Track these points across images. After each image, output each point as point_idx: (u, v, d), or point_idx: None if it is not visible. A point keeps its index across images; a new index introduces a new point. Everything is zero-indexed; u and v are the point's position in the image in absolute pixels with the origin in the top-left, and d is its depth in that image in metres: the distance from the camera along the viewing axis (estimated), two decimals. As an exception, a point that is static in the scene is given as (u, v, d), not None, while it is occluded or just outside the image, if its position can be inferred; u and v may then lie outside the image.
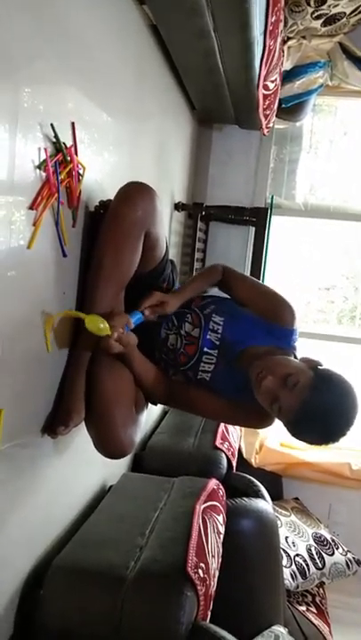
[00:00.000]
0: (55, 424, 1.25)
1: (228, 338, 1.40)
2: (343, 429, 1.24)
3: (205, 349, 1.40)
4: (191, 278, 1.53)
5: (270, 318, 1.41)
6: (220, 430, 2.33)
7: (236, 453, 2.41)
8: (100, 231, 1.28)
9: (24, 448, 1.19)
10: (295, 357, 1.39)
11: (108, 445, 1.28)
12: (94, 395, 1.28)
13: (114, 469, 1.87)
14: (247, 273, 2.77)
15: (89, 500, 1.66)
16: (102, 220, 1.30)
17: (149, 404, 1.50)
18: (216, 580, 1.45)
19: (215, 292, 1.56)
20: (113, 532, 1.47)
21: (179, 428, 2.38)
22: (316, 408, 1.21)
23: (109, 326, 1.20)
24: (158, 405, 1.59)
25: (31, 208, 1.06)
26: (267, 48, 1.89)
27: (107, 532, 1.47)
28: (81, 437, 1.41)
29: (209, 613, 1.37)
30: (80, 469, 1.57)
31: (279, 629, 1.73)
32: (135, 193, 1.27)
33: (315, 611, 2.34)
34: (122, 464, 1.99)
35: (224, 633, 1.26)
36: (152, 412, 2.43)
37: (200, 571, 1.33)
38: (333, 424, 1.24)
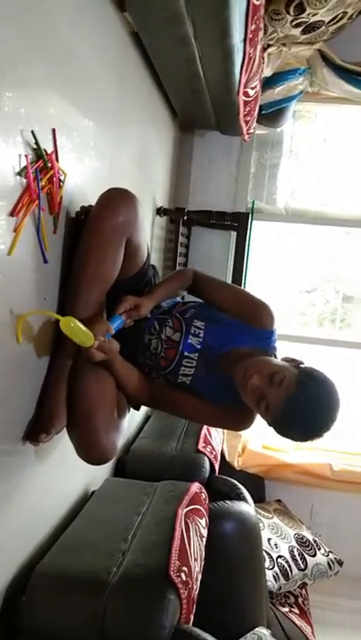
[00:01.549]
0: (37, 431, 1.25)
1: (209, 342, 1.42)
2: (328, 423, 1.27)
3: (186, 353, 1.42)
4: (161, 280, 1.53)
5: (249, 320, 1.43)
6: (202, 434, 2.35)
7: (219, 456, 2.42)
8: (82, 237, 1.29)
9: (5, 455, 1.19)
10: (276, 358, 1.41)
11: (90, 451, 1.28)
12: (76, 400, 1.28)
13: (96, 474, 1.87)
14: (229, 277, 2.79)
15: (71, 505, 1.66)
16: (83, 226, 1.30)
17: (131, 409, 1.50)
18: (199, 583, 1.46)
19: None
20: (95, 537, 1.47)
21: (161, 433, 2.39)
22: (303, 402, 1.23)
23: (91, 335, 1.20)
24: (141, 410, 1.60)
25: (12, 215, 1.07)
26: (247, 55, 1.91)
27: (89, 538, 1.47)
28: (63, 444, 1.41)
29: (192, 617, 1.37)
30: (62, 475, 1.57)
31: (262, 631, 1.75)
32: (116, 199, 1.27)
33: (297, 612, 2.36)
34: (104, 469, 1.99)
35: (207, 636, 1.27)
36: (135, 417, 2.44)
37: (183, 574, 1.33)
38: (320, 418, 1.27)
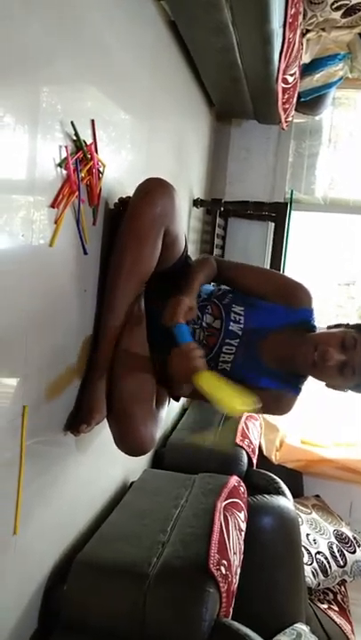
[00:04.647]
0: (77, 422, 1.27)
1: (251, 326, 1.42)
2: None
3: (227, 340, 1.41)
4: (194, 274, 1.44)
5: (288, 302, 1.43)
6: (240, 427, 2.33)
7: (257, 450, 2.40)
8: (120, 228, 1.29)
9: (47, 445, 1.20)
10: None
11: (128, 443, 1.29)
12: (115, 393, 1.29)
13: (135, 466, 1.88)
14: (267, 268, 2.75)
15: (111, 496, 1.67)
16: (122, 217, 1.30)
17: (171, 400, 1.50)
18: (238, 576, 1.45)
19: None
20: (135, 528, 1.48)
21: (199, 425, 2.38)
22: None
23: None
24: (180, 402, 1.60)
25: (52, 206, 1.07)
26: (286, 41, 1.87)
27: (129, 528, 1.48)
28: (103, 435, 1.42)
29: (231, 610, 1.37)
30: (102, 466, 1.58)
31: (301, 627, 1.72)
32: (154, 189, 1.26)
33: (336, 609, 2.32)
34: (143, 460, 2.00)
35: (246, 630, 1.26)
36: (171, 409, 2.44)
37: (222, 567, 1.33)
38: None
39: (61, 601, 1.26)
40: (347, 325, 1.38)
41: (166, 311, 1.27)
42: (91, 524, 1.50)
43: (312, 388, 1.46)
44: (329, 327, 1.41)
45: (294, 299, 1.43)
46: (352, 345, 1.29)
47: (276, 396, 1.41)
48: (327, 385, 1.39)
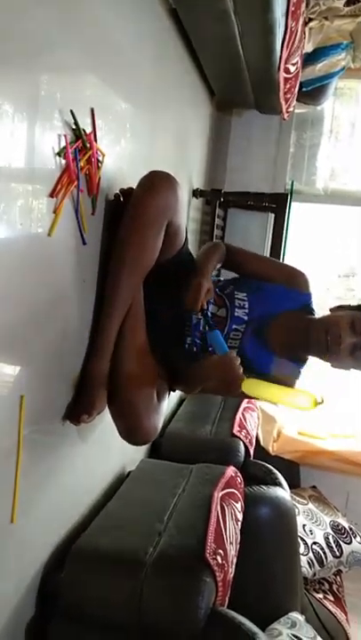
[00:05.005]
0: (78, 412, 1.27)
1: (256, 311, 1.45)
2: None
3: (234, 326, 1.44)
4: (205, 256, 1.49)
5: (292, 286, 1.49)
6: (237, 418, 2.33)
7: (254, 441, 2.40)
8: (123, 220, 1.28)
9: (46, 434, 1.21)
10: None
11: (132, 433, 1.32)
12: (117, 384, 1.30)
13: (132, 455, 1.89)
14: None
15: (108, 485, 1.68)
16: (123, 209, 1.30)
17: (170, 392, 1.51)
18: (234, 566, 1.46)
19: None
20: (132, 517, 1.49)
21: (196, 416, 2.39)
22: None
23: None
24: (176, 392, 1.61)
25: (51, 195, 1.06)
26: (288, 30, 1.85)
27: (126, 518, 1.48)
28: (101, 424, 1.42)
29: (227, 599, 1.38)
30: (100, 455, 1.59)
31: (296, 616, 1.74)
32: (158, 183, 1.26)
33: (332, 599, 2.34)
34: (140, 450, 2.00)
35: (242, 619, 1.27)
36: (169, 400, 2.44)
37: (218, 557, 1.33)
38: None
39: (59, 589, 1.27)
40: (350, 307, 1.41)
41: (189, 296, 1.34)
42: (88, 513, 1.51)
43: (310, 382, 1.47)
44: (331, 310, 1.45)
45: (297, 284, 1.50)
46: (360, 328, 1.33)
47: (281, 379, 1.43)
48: (333, 365, 1.42)
